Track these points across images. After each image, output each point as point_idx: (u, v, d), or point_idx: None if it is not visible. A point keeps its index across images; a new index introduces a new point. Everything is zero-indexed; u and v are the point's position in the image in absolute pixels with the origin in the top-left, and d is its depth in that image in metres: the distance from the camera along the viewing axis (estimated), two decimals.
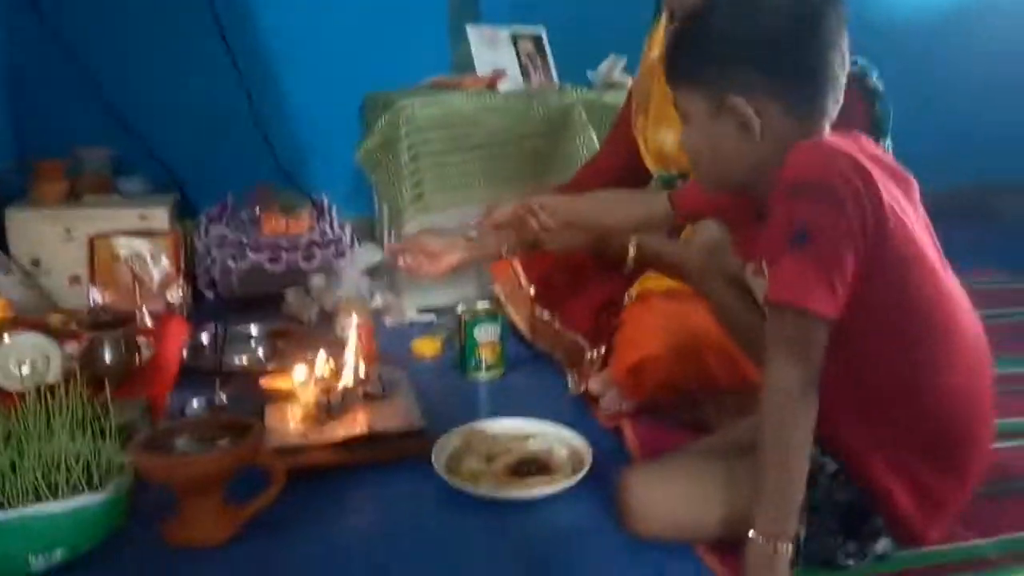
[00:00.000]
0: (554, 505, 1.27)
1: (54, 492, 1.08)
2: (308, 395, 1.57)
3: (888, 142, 1.52)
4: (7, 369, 1.29)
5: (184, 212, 2.38)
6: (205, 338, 1.90)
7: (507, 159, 2.19)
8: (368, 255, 2.26)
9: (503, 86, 2.33)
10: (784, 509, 1.00)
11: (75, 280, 2.09)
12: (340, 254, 2.31)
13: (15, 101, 2.46)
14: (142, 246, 2.08)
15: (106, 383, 1.20)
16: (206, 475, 1.12)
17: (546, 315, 1.86)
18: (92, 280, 2.04)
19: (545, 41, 2.52)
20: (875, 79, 1.50)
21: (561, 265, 1.90)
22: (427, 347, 1.94)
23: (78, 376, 1.19)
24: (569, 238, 1.59)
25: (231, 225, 2.31)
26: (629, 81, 2.39)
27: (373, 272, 2.33)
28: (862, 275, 0.97)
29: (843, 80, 1.05)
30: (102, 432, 1.18)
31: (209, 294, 2.27)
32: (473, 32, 2.42)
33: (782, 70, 1.02)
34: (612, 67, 2.34)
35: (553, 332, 1.85)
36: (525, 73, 2.46)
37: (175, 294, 2.06)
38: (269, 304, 2.18)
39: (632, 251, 1.52)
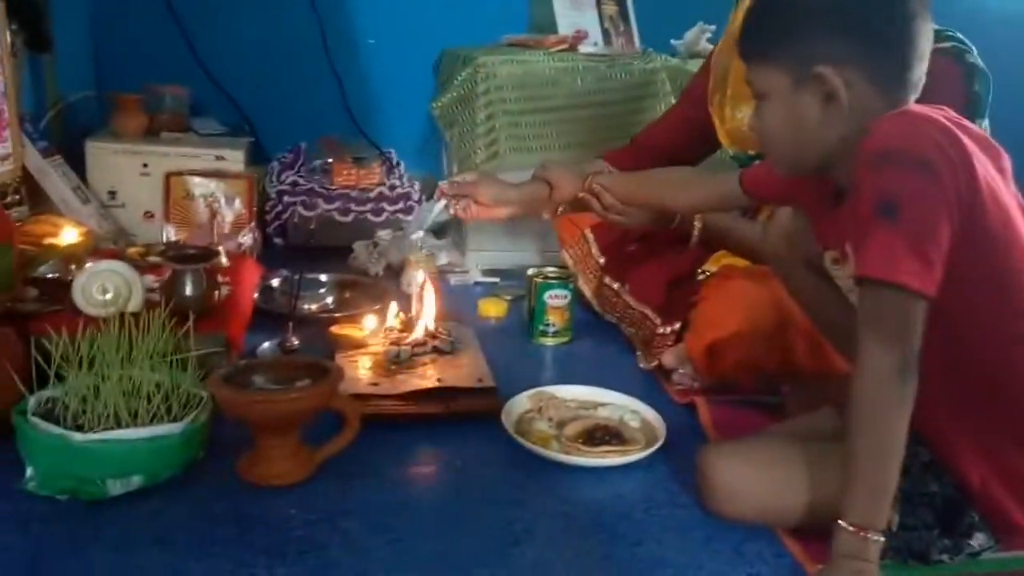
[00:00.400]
0: (625, 476, 1.25)
1: (134, 419, 1.09)
2: (377, 345, 1.58)
3: (985, 123, 1.45)
4: (91, 295, 1.30)
5: (256, 157, 2.38)
6: (276, 283, 1.91)
7: (584, 122, 2.14)
8: (436, 212, 2.24)
9: (584, 48, 2.28)
10: (876, 499, 0.96)
11: (149, 215, 2.10)
12: (408, 210, 2.29)
13: (95, 33, 2.48)
14: (217, 187, 2.09)
15: (189, 316, 1.20)
16: (284, 413, 1.11)
17: (616, 285, 1.83)
18: (166, 216, 2.06)
19: (629, 5, 2.45)
20: (974, 57, 1.43)
21: (632, 235, 1.86)
22: (493, 308, 1.92)
23: (160, 307, 1.18)
24: (631, 215, 1.60)
25: (303, 173, 2.30)
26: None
27: (439, 230, 2.32)
28: (954, 250, 0.91)
29: (928, 53, 1.00)
30: (182, 364, 1.18)
31: (278, 240, 2.27)
32: None
33: (870, 39, 0.98)
34: (699, 36, 2.27)
35: (622, 303, 1.81)
36: (607, 36, 2.40)
37: (247, 237, 2.07)
38: (335, 255, 2.17)
39: (697, 229, 1.47)
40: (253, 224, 2.11)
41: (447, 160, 2.51)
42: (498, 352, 1.64)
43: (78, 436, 1.05)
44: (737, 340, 1.42)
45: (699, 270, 1.73)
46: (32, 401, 1.12)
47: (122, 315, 1.19)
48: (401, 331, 1.57)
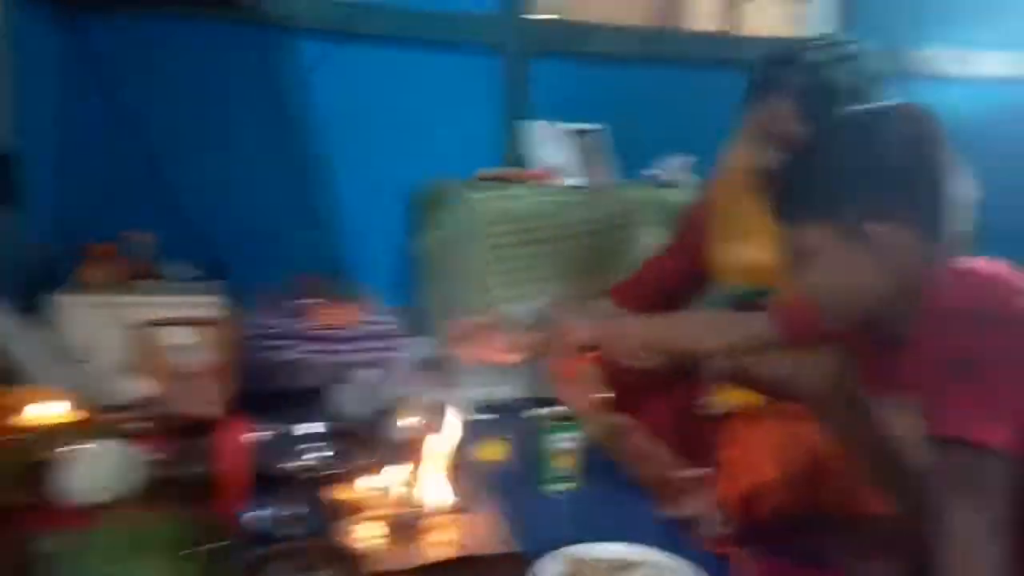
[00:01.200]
0: None
1: None
2: (386, 508, 1.47)
3: None
4: (87, 481, 1.18)
5: (230, 299, 2.29)
6: (263, 436, 1.79)
7: (569, 253, 2.14)
8: (421, 349, 2.17)
9: (563, 181, 2.31)
10: None
11: (122, 371, 1.98)
12: (392, 348, 2.22)
13: (59, 182, 2.40)
14: (190, 336, 1.98)
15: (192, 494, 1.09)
16: None
17: (622, 421, 1.77)
18: (139, 372, 1.94)
19: (603, 137, 2.51)
20: None
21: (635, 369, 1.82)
22: (492, 452, 1.83)
23: (164, 488, 1.08)
24: (650, 359, 1.52)
25: (280, 315, 2.22)
26: (691, 179, 2.38)
27: (425, 367, 2.24)
28: None
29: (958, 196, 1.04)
30: (192, 556, 1.07)
31: (252, 387, 2.16)
32: (534, 127, 2.40)
33: (913, 194, 1.02)
34: (679, 166, 2.32)
35: (631, 441, 1.75)
36: (583, 168, 2.44)
37: (222, 388, 1.95)
38: (312, 400, 2.07)
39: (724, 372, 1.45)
40: (230, 373, 2.00)
41: (431, 296, 2.46)
42: (505, 503, 1.55)
43: None
44: (773, 487, 1.37)
45: (706, 401, 1.69)
46: None
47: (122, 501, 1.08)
48: (411, 490, 1.47)
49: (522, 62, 2.65)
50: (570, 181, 2.32)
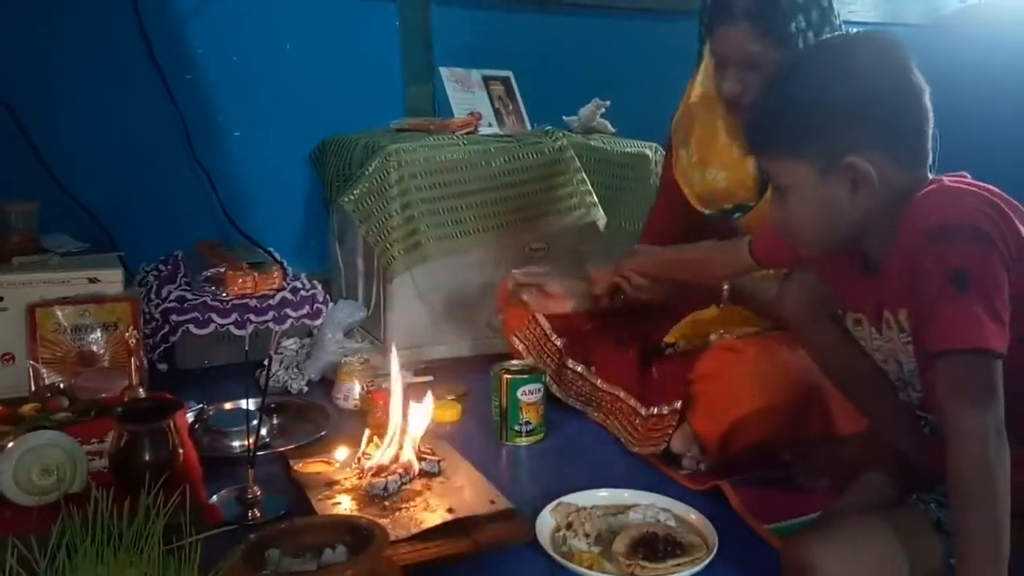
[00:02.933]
0: None
1: None
2: (351, 478, 1.37)
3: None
4: (26, 480, 1.00)
5: (122, 273, 2.06)
6: (190, 418, 1.63)
7: (501, 204, 2.06)
8: (347, 313, 2.04)
9: (482, 129, 2.22)
10: (997, 565, 0.93)
11: (8, 358, 1.74)
12: (315, 314, 2.07)
13: None
14: (93, 314, 1.76)
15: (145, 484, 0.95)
16: None
17: (579, 368, 1.73)
18: (33, 357, 1.71)
19: (514, 85, 2.43)
20: None
21: (584, 314, 1.79)
22: (447, 413, 1.75)
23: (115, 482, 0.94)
24: (657, 290, 1.63)
25: (187, 286, 2.02)
26: (608, 126, 2.35)
27: (350, 333, 2.11)
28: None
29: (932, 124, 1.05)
30: (170, 552, 0.93)
31: (162, 366, 1.96)
32: (446, 73, 2.29)
33: (889, 123, 1.02)
34: (594, 111, 2.27)
35: (589, 386, 1.72)
36: (499, 116, 2.36)
37: (135, 368, 1.76)
38: (237, 376, 1.90)
39: (726, 293, 1.46)
40: (142, 352, 1.81)
41: (342, 256, 2.32)
42: (476, 463, 1.48)
43: None
44: (757, 418, 1.37)
45: (664, 343, 1.68)
46: None
47: (67, 498, 0.93)
48: (394, 460, 1.37)
49: (423, 8, 2.52)
50: (487, 130, 2.23)
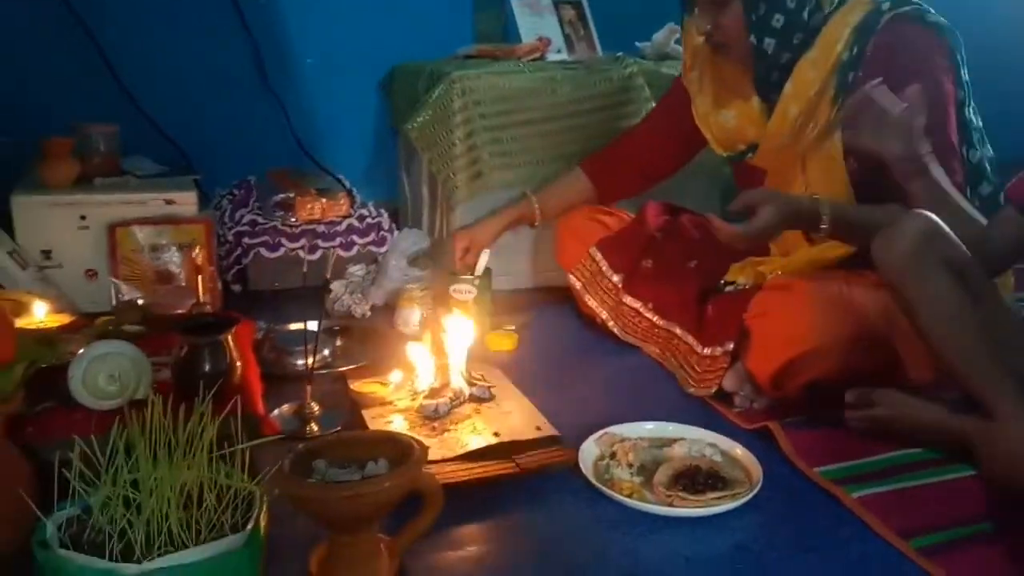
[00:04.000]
0: (737, 519, 1.13)
1: (194, 534, 0.89)
2: (405, 400, 1.41)
3: (965, 72, 1.44)
4: (95, 385, 1.07)
5: (200, 197, 2.14)
6: (258, 337, 1.69)
7: (567, 133, 2.03)
8: (412, 241, 2.07)
9: (550, 56, 2.17)
10: None
11: (92, 274, 1.83)
12: (380, 241, 2.11)
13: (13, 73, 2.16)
14: (169, 235, 1.84)
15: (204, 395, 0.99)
16: (373, 506, 0.93)
17: (637, 304, 1.72)
18: (114, 274, 1.80)
19: (587, 9, 2.36)
20: (933, 15, 1.46)
21: (643, 250, 1.76)
22: (504, 342, 1.77)
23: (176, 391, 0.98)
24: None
25: (259, 211, 2.08)
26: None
27: (416, 260, 2.14)
28: None
29: None
30: (222, 457, 0.98)
31: (236, 287, 2.04)
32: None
33: None
34: (668, 37, 2.20)
35: (646, 323, 1.71)
36: (569, 42, 2.30)
37: (207, 287, 1.83)
38: (304, 299, 1.96)
39: (826, 223, 1.33)
40: (215, 273, 1.88)
41: (408, 184, 2.34)
42: (526, 392, 1.49)
43: (132, 569, 0.84)
44: (811, 357, 1.33)
45: (723, 282, 1.65)
46: (50, 527, 0.89)
47: (131, 404, 0.99)
48: (441, 382, 1.41)
49: None
50: (556, 56, 2.19)
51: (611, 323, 1.75)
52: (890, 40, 1.40)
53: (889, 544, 1.08)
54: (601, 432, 1.31)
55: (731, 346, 1.46)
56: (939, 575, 1.01)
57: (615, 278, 1.76)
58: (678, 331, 1.62)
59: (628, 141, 1.88)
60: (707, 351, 1.51)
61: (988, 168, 1.48)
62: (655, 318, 1.68)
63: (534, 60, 2.10)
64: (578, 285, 1.82)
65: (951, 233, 1.17)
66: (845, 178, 1.46)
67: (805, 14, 1.44)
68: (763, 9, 1.43)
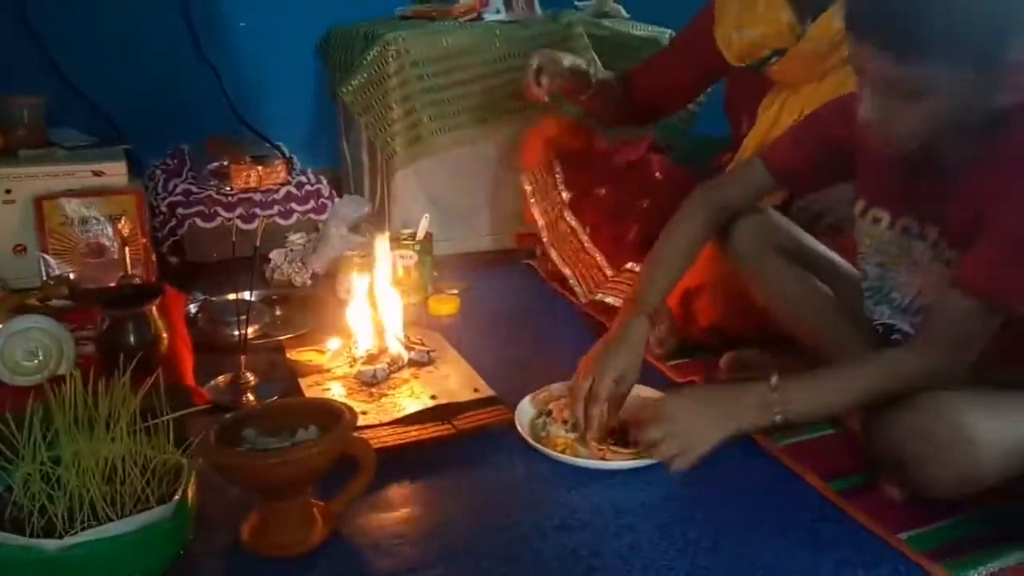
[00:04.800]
0: (660, 471, 1.14)
1: (117, 508, 0.88)
2: (344, 367, 1.40)
3: None
4: (15, 361, 1.04)
5: (132, 167, 2.08)
6: (193, 309, 1.67)
7: (507, 87, 1.99)
8: (352, 208, 2.04)
9: (488, 16, 2.14)
10: (824, 404, 1.09)
11: (20, 249, 1.78)
12: (321, 208, 2.08)
13: None
14: (99, 206, 1.79)
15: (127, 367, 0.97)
16: (302, 472, 0.93)
17: (574, 223, 1.74)
18: (43, 248, 1.75)
19: None
20: None
21: (603, 176, 1.77)
22: (446, 306, 1.77)
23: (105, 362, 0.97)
24: None
25: (194, 180, 2.04)
26: (622, 11, 2.26)
27: (357, 227, 2.12)
28: None
29: None
30: (146, 430, 0.97)
31: (173, 259, 2.00)
32: None
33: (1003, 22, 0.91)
34: None
35: (576, 244, 1.73)
36: (507, 3, 2.27)
37: (140, 259, 1.79)
38: (241, 267, 1.93)
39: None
40: (148, 244, 1.84)
41: (349, 150, 2.31)
42: (466, 355, 1.49)
43: (52, 544, 0.83)
44: (710, 297, 1.42)
45: None
46: None
47: (52, 380, 0.97)
48: (378, 348, 1.40)
49: None
50: (494, 17, 2.16)
51: (543, 232, 1.80)
52: None
53: (810, 486, 1.12)
54: (538, 391, 1.32)
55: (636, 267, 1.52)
56: (855, 514, 1.05)
57: (565, 194, 1.77)
58: (599, 259, 1.66)
59: (643, 70, 1.84)
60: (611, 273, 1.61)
61: None
62: (587, 242, 1.70)
63: (471, 20, 2.07)
64: (528, 188, 1.83)
65: (784, 223, 1.30)
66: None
67: None
68: None
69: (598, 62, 1.88)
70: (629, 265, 1.60)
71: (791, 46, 1.56)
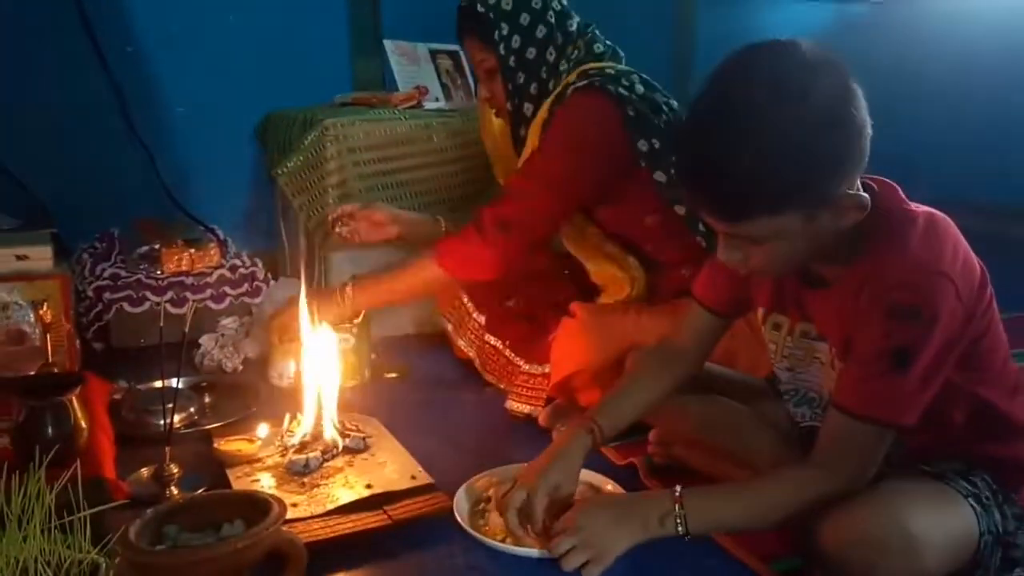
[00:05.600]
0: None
1: None
2: (275, 456, 1.36)
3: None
4: None
5: (59, 250, 2.02)
6: (117, 398, 1.60)
7: (443, 179, 2.04)
8: (287, 291, 2.02)
9: (427, 104, 2.19)
10: (718, 520, 1.10)
11: None
12: (255, 291, 2.05)
13: None
14: (21, 291, 1.73)
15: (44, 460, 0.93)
16: (229, 570, 0.89)
17: (497, 343, 1.74)
18: None
19: (463, 59, 2.40)
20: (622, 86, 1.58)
21: (509, 288, 1.78)
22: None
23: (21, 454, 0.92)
24: None
25: (123, 264, 1.99)
26: None
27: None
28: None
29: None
30: (62, 527, 0.91)
31: (98, 345, 1.94)
32: (391, 47, 2.26)
33: (862, 146, 0.95)
34: None
35: (504, 361, 1.72)
36: (446, 91, 2.33)
37: (64, 347, 1.73)
38: (169, 353, 1.87)
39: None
40: (72, 331, 1.77)
41: (286, 232, 2.30)
42: (403, 440, 1.46)
43: None
44: (584, 376, 1.47)
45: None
46: None
47: None
48: (314, 437, 1.36)
49: None
50: (433, 105, 2.21)
51: (477, 361, 1.78)
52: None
53: (750, 568, 1.12)
54: (476, 477, 1.29)
55: (547, 368, 1.57)
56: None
57: (480, 318, 1.78)
58: (526, 368, 1.66)
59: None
60: (526, 367, 1.63)
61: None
62: (513, 356, 1.70)
63: (410, 108, 2.11)
64: (449, 327, 1.83)
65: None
66: None
67: (550, 84, 1.61)
68: (521, 79, 1.61)
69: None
70: (528, 367, 1.65)
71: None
